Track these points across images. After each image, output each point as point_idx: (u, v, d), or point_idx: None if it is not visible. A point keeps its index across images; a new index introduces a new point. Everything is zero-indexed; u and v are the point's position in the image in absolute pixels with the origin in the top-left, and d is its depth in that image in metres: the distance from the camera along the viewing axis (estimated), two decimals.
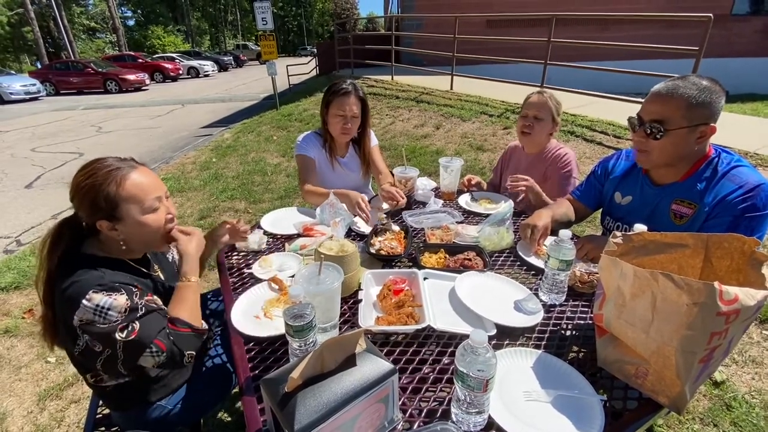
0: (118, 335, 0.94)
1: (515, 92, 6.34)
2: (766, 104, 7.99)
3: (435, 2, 9.94)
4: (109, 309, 0.93)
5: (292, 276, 1.29)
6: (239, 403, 1.77)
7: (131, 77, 16.49)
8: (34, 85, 14.85)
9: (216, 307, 1.54)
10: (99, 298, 0.92)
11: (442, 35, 7.72)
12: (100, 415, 1.28)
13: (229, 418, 1.74)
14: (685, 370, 0.77)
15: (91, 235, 1.07)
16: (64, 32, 24.04)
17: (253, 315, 1.12)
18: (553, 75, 5.74)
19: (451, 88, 7.07)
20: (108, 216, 1.00)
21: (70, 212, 1.07)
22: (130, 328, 0.95)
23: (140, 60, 20.86)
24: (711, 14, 4.01)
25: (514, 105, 5.83)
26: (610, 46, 5.30)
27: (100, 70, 16.44)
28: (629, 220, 1.42)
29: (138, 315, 0.97)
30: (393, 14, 12.56)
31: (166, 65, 20.42)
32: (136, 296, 0.98)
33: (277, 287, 1.23)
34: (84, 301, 0.91)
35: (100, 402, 1.31)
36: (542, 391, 0.86)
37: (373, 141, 2.11)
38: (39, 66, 24.14)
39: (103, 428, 1.24)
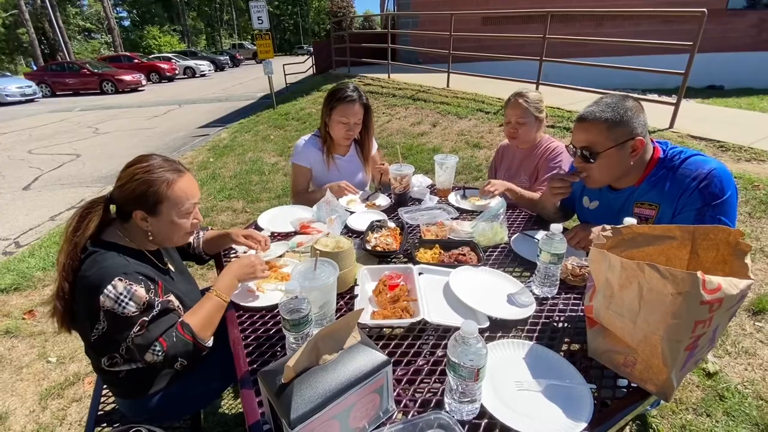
0: (132, 330, 0.97)
1: (511, 89, 6.32)
2: (762, 98, 8.00)
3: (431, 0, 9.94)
4: (130, 299, 0.97)
5: (282, 255, 1.39)
6: (239, 400, 1.80)
7: (127, 78, 16.45)
8: (30, 86, 14.81)
9: None
10: (122, 287, 0.96)
11: (438, 32, 7.72)
12: (102, 412, 1.30)
13: (229, 413, 1.76)
14: (672, 358, 0.79)
15: (116, 220, 1.11)
16: (59, 33, 23.95)
17: (247, 289, 1.25)
18: (549, 71, 5.75)
19: (448, 86, 7.08)
20: (147, 209, 1.05)
21: (68, 213, 1.10)
22: (141, 325, 0.98)
23: (136, 60, 20.75)
24: (705, 9, 4.03)
25: None
26: (606, 42, 5.32)
27: (96, 71, 16.39)
28: (599, 223, 1.44)
29: (152, 314, 1.00)
30: (389, 12, 12.55)
31: (162, 65, 20.36)
32: (152, 292, 1.02)
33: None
34: (109, 287, 0.95)
35: (102, 399, 1.34)
36: (533, 380, 0.88)
37: (374, 148, 2.18)
38: (34, 67, 24.06)
39: (104, 424, 1.26)
